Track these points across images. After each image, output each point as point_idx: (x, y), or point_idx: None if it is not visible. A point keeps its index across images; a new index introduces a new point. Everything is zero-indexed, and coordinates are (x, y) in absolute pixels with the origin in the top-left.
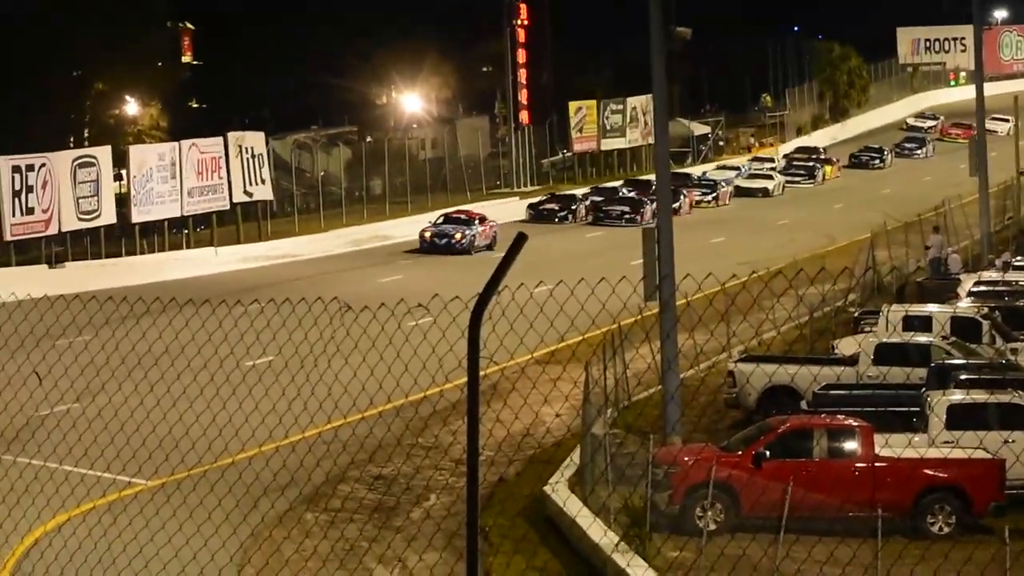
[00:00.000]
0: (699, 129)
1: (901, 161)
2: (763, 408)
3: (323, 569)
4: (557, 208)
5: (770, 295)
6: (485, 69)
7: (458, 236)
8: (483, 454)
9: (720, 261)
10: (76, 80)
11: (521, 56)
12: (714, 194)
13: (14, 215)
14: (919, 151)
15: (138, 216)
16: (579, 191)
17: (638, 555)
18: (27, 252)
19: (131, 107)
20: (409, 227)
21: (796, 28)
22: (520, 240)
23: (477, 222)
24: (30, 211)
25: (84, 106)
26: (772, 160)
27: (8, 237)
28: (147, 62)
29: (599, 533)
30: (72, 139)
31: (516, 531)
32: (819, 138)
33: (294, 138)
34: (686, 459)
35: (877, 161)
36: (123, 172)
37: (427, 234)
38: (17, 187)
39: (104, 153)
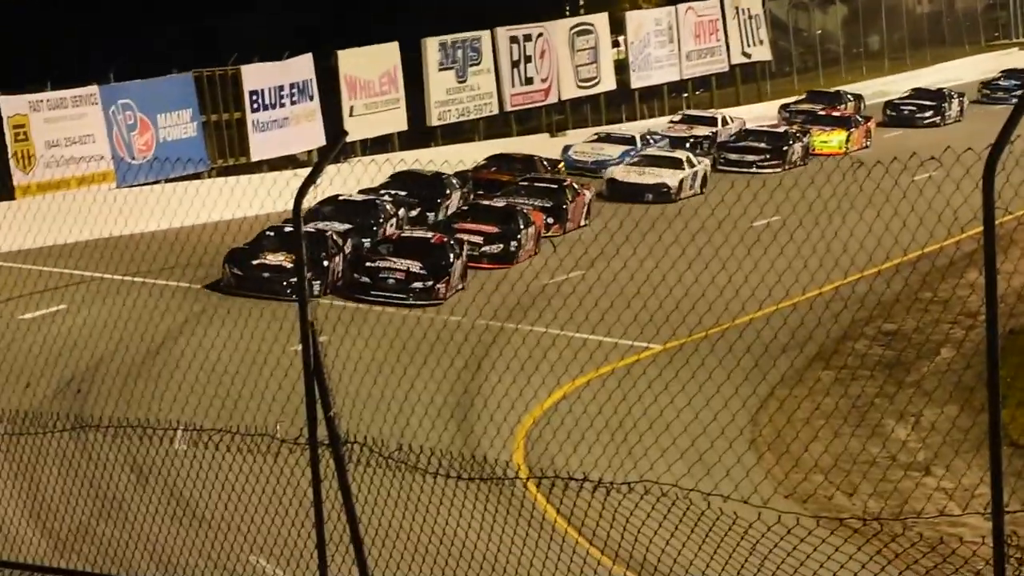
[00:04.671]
0: None
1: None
2: None
3: (844, 425)
4: None
5: None
6: None
7: None
8: (1001, 304)
9: None
10: None
11: None
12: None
13: (513, 85)
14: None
15: (637, 81)
16: None
17: None
18: (527, 122)
19: None
20: (907, 83)
21: None
22: None
23: None
24: (529, 81)
25: None
26: (713, 122)
27: (508, 107)
28: None
29: None
30: (567, 7)
31: None
32: None
33: None
34: None
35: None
36: (620, 39)
37: None
38: (515, 57)
39: (601, 20)
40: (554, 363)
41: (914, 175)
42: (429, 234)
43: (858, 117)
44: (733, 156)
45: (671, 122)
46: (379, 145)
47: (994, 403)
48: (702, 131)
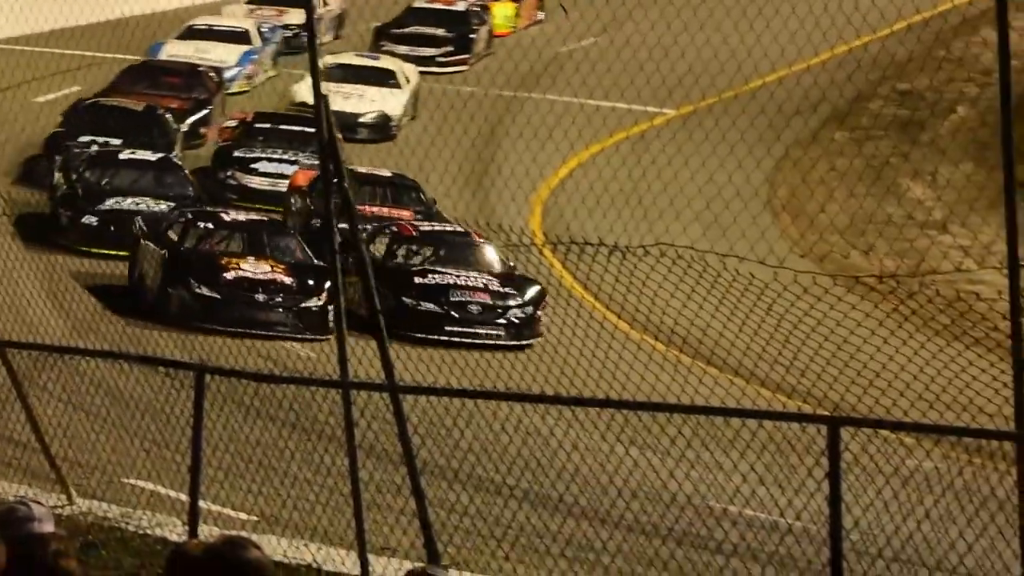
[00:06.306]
0: None
1: None
2: None
3: (859, 185)
4: None
5: None
6: None
7: None
8: (1014, 60)
9: None
10: None
11: None
12: None
13: None
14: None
15: None
16: None
17: None
18: None
19: None
20: None
21: None
22: None
23: None
24: None
25: None
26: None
27: None
28: None
29: None
30: None
31: None
32: None
33: None
34: None
35: None
36: None
37: None
38: None
39: None
40: (567, 130)
41: None
42: (456, 227)
43: None
44: (401, 48)
45: (249, 3)
46: None
47: (1008, 158)
48: (296, 17)
